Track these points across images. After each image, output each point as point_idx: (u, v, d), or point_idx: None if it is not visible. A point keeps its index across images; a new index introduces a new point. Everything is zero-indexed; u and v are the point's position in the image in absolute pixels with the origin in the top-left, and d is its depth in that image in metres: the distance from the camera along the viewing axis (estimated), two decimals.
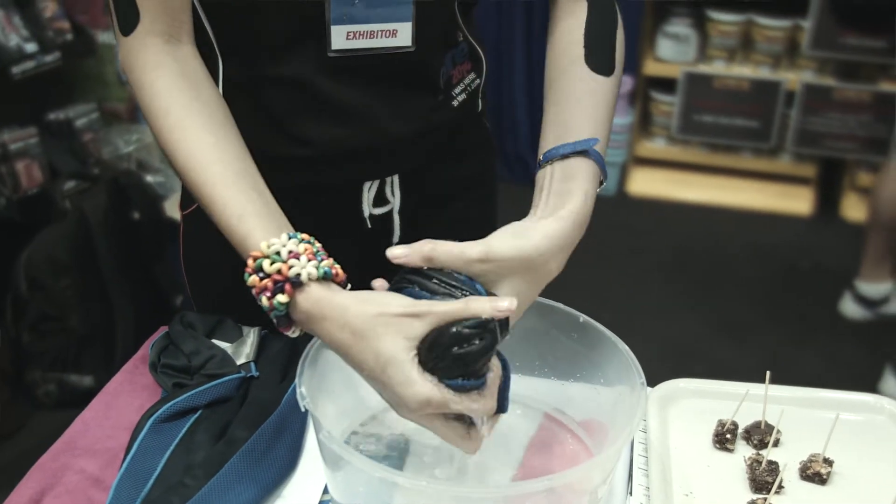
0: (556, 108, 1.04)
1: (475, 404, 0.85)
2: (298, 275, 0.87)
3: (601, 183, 1.01)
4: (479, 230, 1.31)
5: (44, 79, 2.61)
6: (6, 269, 2.56)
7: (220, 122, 0.99)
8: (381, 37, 1.06)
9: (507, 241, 0.90)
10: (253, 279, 0.88)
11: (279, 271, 0.87)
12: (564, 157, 0.98)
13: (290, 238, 0.89)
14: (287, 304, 0.87)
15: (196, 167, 0.96)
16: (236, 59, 1.10)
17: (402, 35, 1.07)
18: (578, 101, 1.03)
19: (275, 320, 0.89)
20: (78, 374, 2.60)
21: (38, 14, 2.66)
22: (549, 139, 1.01)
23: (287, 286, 0.87)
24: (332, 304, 0.87)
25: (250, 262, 0.88)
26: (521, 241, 0.91)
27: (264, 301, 0.88)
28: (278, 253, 0.88)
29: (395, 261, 0.90)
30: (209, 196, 0.95)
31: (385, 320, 0.84)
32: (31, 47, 2.60)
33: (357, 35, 1.05)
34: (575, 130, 1.00)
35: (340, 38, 1.05)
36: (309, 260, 0.87)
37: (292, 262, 0.87)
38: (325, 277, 0.88)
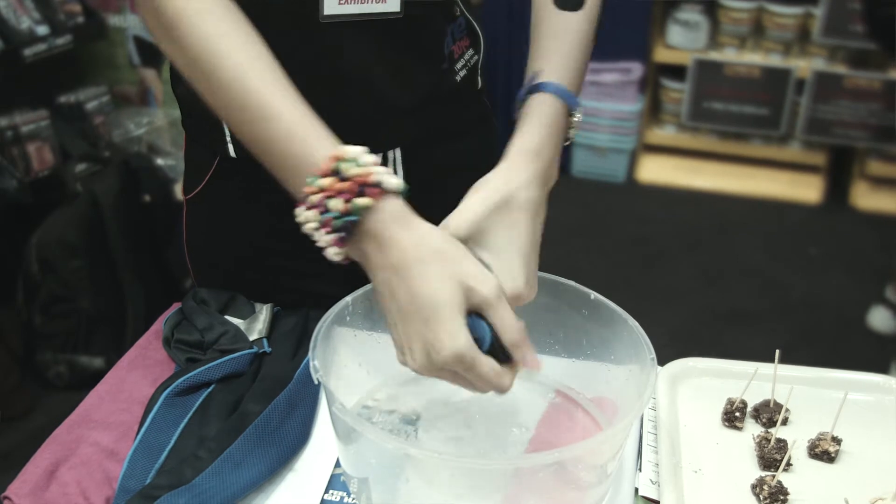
0: (530, 53, 1.07)
1: (495, 378, 0.86)
2: (380, 182, 0.84)
3: (571, 113, 1.03)
4: None
5: (55, 61, 2.62)
6: (18, 251, 2.58)
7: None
8: (372, 2, 1.07)
9: (468, 202, 0.93)
10: (329, 181, 0.84)
11: (360, 175, 0.84)
12: (523, 102, 1.01)
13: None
14: (364, 210, 0.84)
15: (242, 66, 0.92)
16: None
17: (391, 1, 1.07)
18: (544, 40, 1.06)
19: (334, 233, 0.85)
20: (88, 355, 2.62)
21: None
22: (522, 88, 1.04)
23: (373, 189, 0.84)
24: (412, 220, 0.86)
25: (328, 162, 0.85)
26: (478, 193, 0.94)
27: (339, 205, 0.84)
28: (356, 159, 0.85)
29: None
30: (264, 96, 0.91)
31: (470, 255, 0.86)
32: (42, 30, 2.61)
33: (349, 0, 1.06)
34: (541, 72, 1.02)
35: (333, 2, 1.06)
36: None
37: (375, 169, 0.85)
38: (405, 194, 0.87)
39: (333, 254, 0.87)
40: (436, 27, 1.14)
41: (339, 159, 0.85)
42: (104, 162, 2.67)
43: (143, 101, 2.94)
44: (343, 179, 0.84)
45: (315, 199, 0.85)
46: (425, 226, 0.86)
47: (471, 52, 1.22)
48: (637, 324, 0.98)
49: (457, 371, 0.85)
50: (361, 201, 0.83)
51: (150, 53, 2.87)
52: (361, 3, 1.07)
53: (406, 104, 1.14)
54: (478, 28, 1.23)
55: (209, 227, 1.26)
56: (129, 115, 2.87)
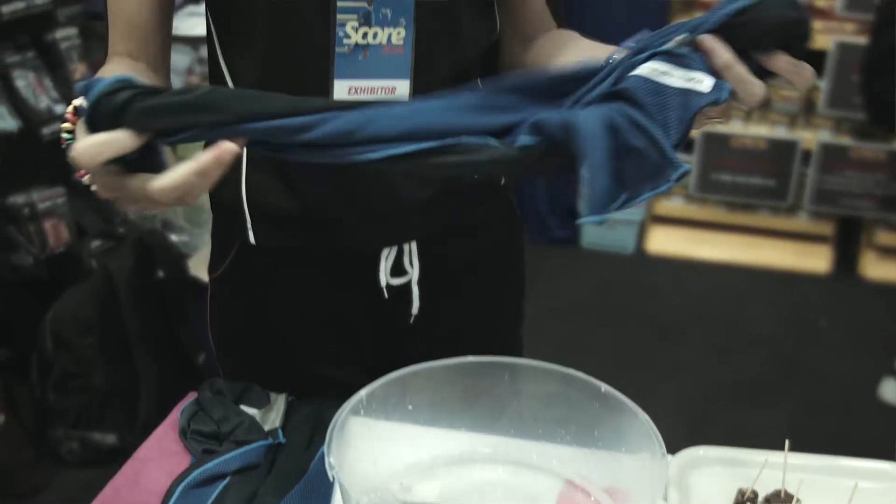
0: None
1: None
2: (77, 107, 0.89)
3: None
4: (503, 305, 1.34)
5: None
6: (33, 327, 2.60)
7: None
8: (381, 93, 1.10)
9: None
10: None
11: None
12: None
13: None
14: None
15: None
16: None
17: (399, 92, 1.10)
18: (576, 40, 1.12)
19: None
20: (101, 432, 2.63)
21: (68, 76, 2.71)
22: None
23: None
24: None
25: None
26: None
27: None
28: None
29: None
30: None
31: None
32: (60, 108, 2.66)
33: (358, 90, 1.09)
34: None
35: (343, 92, 1.08)
36: None
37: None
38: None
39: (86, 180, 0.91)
40: None
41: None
42: (119, 239, 2.70)
43: None
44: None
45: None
46: None
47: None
48: (647, 417, 0.99)
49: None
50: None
51: None
52: (371, 92, 1.10)
53: (420, 198, 1.16)
54: None
55: (231, 307, 1.29)
56: None
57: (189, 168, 0.81)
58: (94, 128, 0.80)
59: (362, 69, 1.07)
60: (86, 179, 0.86)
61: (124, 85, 0.80)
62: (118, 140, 0.79)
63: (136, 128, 0.79)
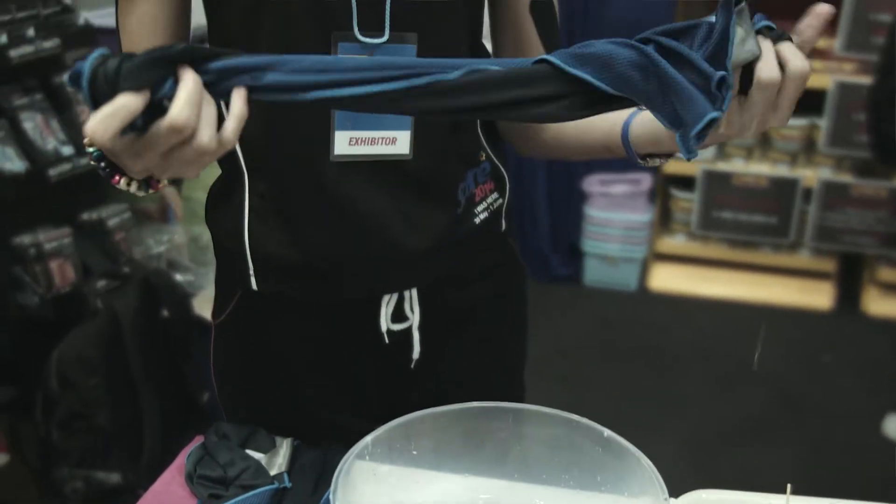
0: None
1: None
2: None
3: None
4: (505, 350, 1.35)
5: (79, 180, 2.69)
6: (38, 366, 2.61)
7: None
8: (382, 144, 1.11)
9: None
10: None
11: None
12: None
13: None
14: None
15: None
16: (260, 174, 1.16)
17: (400, 143, 1.11)
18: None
19: (98, 163, 0.93)
20: (105, 471, 2.63)
21: (75, 118, 2.74)
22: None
23: None
24: None
25: None
26: None
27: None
28: None
29: None
30: None
31: None
32: (67, 150, 2.68)
33: (359, 141, 1.10)
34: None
35: (343, 143, 1.10)
36: None
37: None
38: None
39: (124, 183, 0.94)
40: (449, 171, 1.18)
41: None
42: (124, 278, 2.72)
43: (164, 217, 3.00)
44: None
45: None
46: None
47: (495, 195, 1.25)
48: (650, 462, 1.00)
49: None
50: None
51: None
52: (372, 144, 1.11)
53: (419, 247, 1.17)
54: (504, 172, 1.27)
55: (234, 352, 1.30)
56: (149, 231, 2.93)
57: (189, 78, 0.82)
58: (97, 105, 0.80)
59: (362, 120, 1.09)
60: (111, 153, 0.85)
61: (107, 55, 0.81)
62: (123, 104, 0.79)
63: (133, 86, 0.80)
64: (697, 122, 0.83)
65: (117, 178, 0.93)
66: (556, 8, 1.21)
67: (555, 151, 1.27)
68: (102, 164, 0.93)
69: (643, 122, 1.10)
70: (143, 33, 1.12)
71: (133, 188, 0.94)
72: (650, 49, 0.86)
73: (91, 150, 0.93)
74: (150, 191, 0.95)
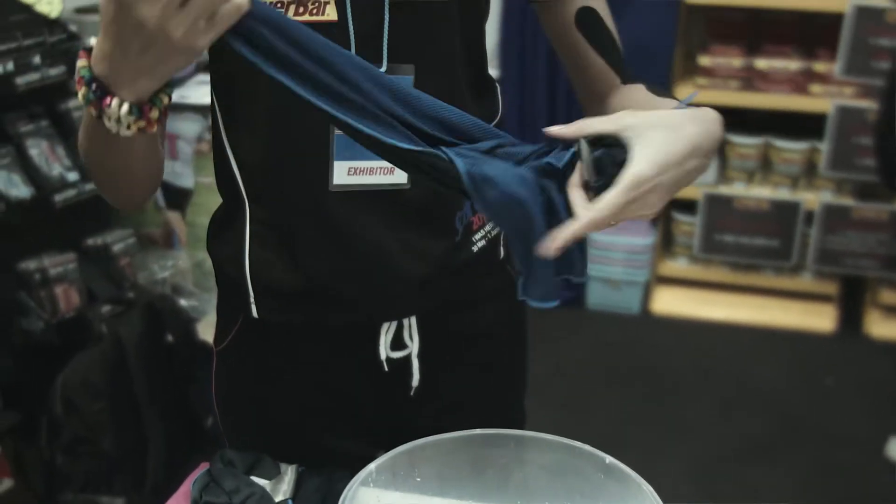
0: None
1: None
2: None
3: None
4: (505, 376, 1.36)
5: (84, 206, 2.71)
6: (43, 391, 2.62)
7: None
8: (380, 173, 1.13)
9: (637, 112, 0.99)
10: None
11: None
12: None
13: None
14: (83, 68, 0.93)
15: None
16: (260, 202, 1.17)
17: (398, 173, 1.13)
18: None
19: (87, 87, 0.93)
20: (110, 495, 2.63)
21: None
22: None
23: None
24: None
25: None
26: (653, 112, 0.99)
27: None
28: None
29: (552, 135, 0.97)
30: None
31: None
32: (72, 176, 2.70)
33: (358, 171, 1.12)
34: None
35: (342, 173, 1.12)
36: None
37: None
38: None
39: (115, 106, 0.93)
40: (446, 200, 1.19)
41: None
42: (129, 304, 2.73)
43: (168, 243, 3.01)
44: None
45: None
46: None
47: (492, 223, 1.27)
48: (651, 488, 1.01)
49: None
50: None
51: (176, 197, 2.96)
52: (370, 174, 1.13)
53: (418, 275, 1.18)
54: None
55: (236, 379, 1.31)
56: (154, 257, 2.95)
57: None
58: None
59: (361, 150, 1.11)
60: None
61: None
62: None
63: None
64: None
65: (108, 99, 0.92)
66: (606, 9, 1.23)
67: None
68: (94, 86, 0.93)
69: None
70: None
71: (123, 111, 0.92)
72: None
73: (83, 72, 0.93)
74: (141, 122, 0.94)
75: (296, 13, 1.05)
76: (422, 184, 1.12)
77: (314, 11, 1.05)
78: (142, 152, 1.03)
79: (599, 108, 1.24)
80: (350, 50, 1.07)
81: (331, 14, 1.06)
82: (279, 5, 1.04)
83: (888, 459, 3.07)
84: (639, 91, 1.18)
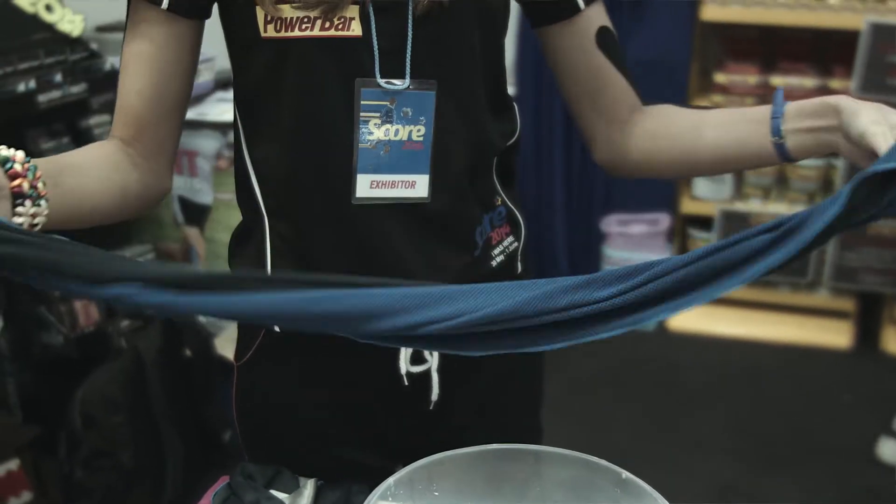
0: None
1: None
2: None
3: None
4: (523, 390, 1.37)
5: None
6: (62, 405, 2.64)
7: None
8: (402, 187, 1.14)
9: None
10: None
11: None
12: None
13: None
14: None
15: None
16: (280, 215, 1.19)
17: (419, 186, 1.15)
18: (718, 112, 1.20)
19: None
20: None
21: None
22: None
23: None
24: None
25: None
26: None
27: None
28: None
29: None
30: None
31: None
32: None
33: (380, 184, 1.14)
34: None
35: (365, 186, 1.13)
36: None
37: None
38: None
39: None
40: (466, 215, 1.21)
41: None
42: (147, 318, 2.75)
43: (186, 258, 3.03)
44: None
45: None
46: None
47: (511, 238, 1.27)
48: (667, 503, 1.02)
49: None
50: None
51: (194, 213, 2.99)
52: (392, 187, 1.15)
53: None
54: (519, 216, 1.29)
55: (257, 394, 1.32)
56: None
57: None
58: None
59: (384, 164, 1.12)
60: None
61: None
62: None
63: None
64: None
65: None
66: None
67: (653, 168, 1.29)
68: None
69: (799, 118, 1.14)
70: (136, 70, 1.15)
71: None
72: None
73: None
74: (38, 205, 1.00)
75: (322, 28, 1.07)
76: None
77: (339, 27, 1.08)
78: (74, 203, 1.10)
79: (622, 136, 1.25)
80: (374, 65, 1.09)
81: (356, 29, 1.08)
82: (306, 20, 1.06)
83: (879, 459, 3.07)
84: (678, 111, 1.19)
